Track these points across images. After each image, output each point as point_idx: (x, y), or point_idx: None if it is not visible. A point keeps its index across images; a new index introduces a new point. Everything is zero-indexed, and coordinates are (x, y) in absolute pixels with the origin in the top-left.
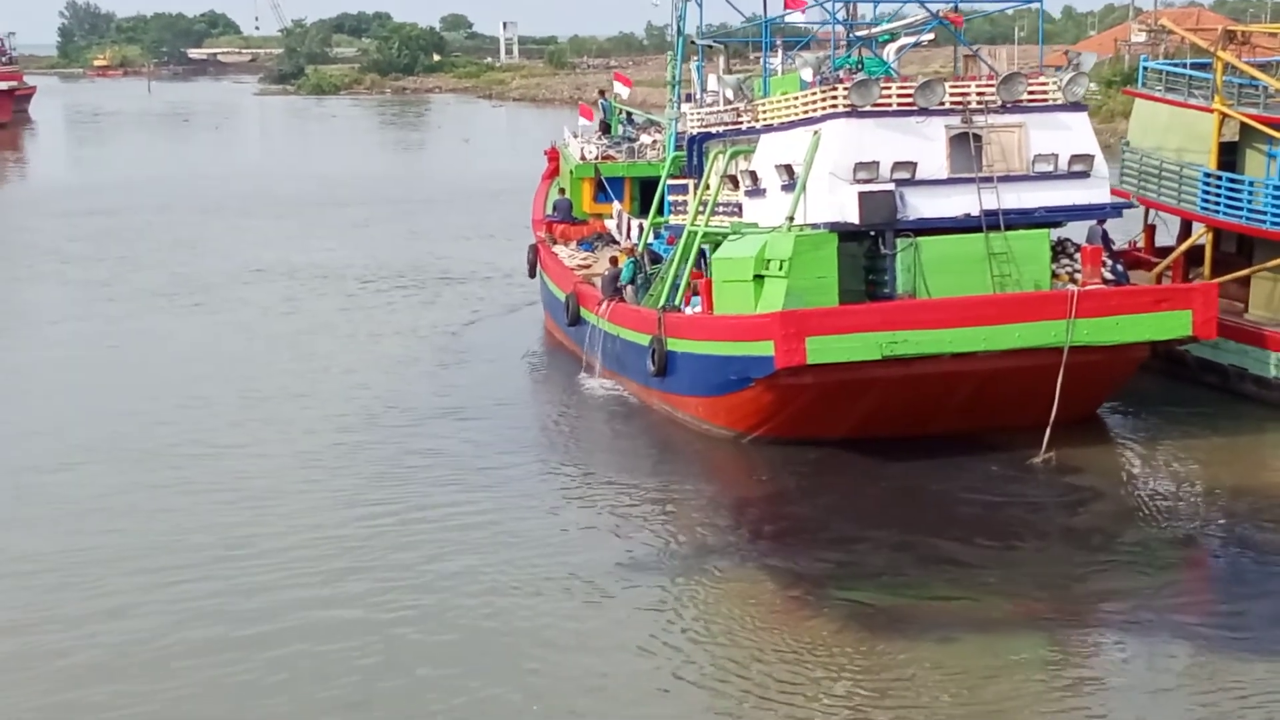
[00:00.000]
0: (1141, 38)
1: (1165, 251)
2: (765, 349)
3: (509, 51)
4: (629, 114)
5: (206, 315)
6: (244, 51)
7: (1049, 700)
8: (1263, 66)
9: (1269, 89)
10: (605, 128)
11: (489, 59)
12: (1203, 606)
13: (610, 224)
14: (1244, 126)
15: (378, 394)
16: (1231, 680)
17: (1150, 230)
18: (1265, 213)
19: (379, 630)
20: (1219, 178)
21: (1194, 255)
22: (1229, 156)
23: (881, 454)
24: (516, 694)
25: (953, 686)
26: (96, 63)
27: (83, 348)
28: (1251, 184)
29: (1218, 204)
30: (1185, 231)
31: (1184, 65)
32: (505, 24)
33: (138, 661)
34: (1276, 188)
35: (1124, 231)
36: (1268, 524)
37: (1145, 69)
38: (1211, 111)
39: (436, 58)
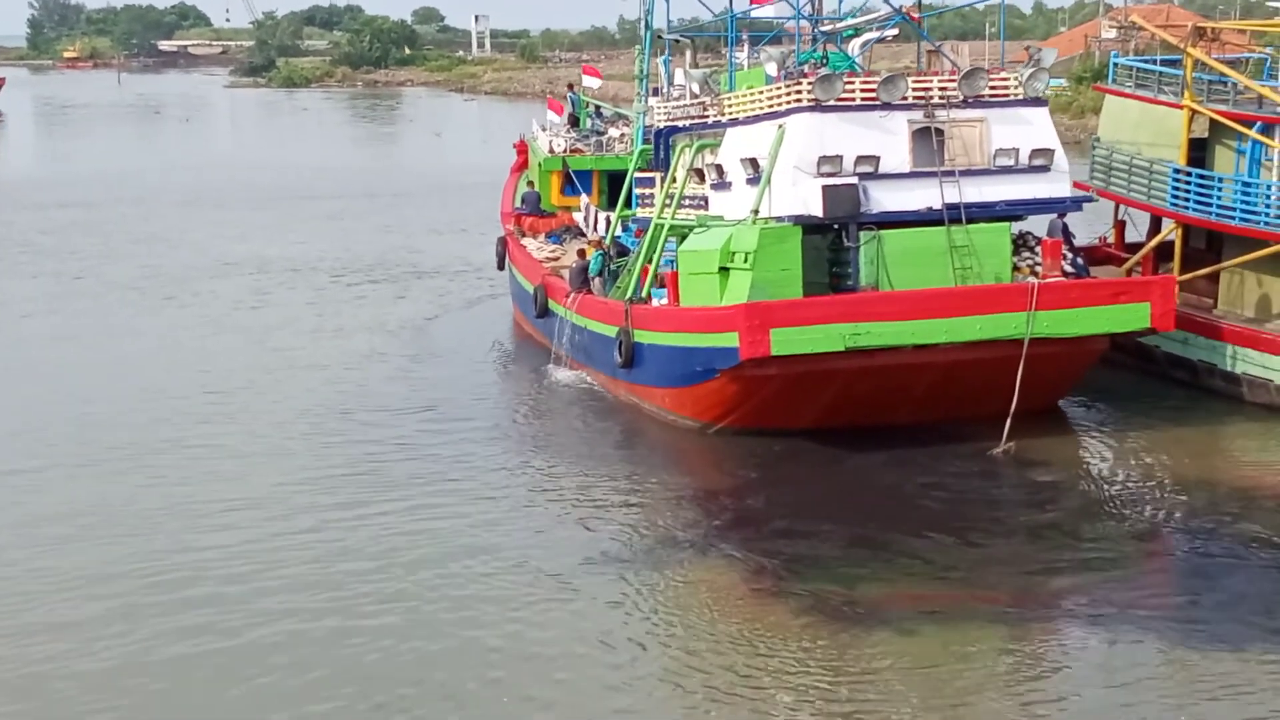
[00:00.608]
0: (1112, 34)
1: (1135, 247)
2: (730, 340)
3: (481, 45)
4: (597, 107)
5: (177, 309)
6: (214, 44)
7: (1010, 692)
8: (1232, 63)
9: (1238, 85)
10: (574, 121)
11: (461, 52)
12: (1163, 598)
13: (578, 217)
14: (1213, 123)
15: (346, 388)
16: (1192, 671)
17: (1120, 226)
18: (1234, 209)
19: (343, 636)
20: (1188, 174)
21: (1164, 251)
22: (1198, 153)
23: (845, 445)
24: (480, 692)
25: (914, 678)
26: (66, 54)
27: (51, 342)
28: (1221, 180)
29: (1187, 200)
30: (1155, 227)
31: (1154, 61)
32: (477, 17)
33: (101, 668)
34: (1245, 184)
35: (1093, 227)
36: (1228, 517)
37: (1116, 65)
38: (1181, 108)
39: (408, 51)
